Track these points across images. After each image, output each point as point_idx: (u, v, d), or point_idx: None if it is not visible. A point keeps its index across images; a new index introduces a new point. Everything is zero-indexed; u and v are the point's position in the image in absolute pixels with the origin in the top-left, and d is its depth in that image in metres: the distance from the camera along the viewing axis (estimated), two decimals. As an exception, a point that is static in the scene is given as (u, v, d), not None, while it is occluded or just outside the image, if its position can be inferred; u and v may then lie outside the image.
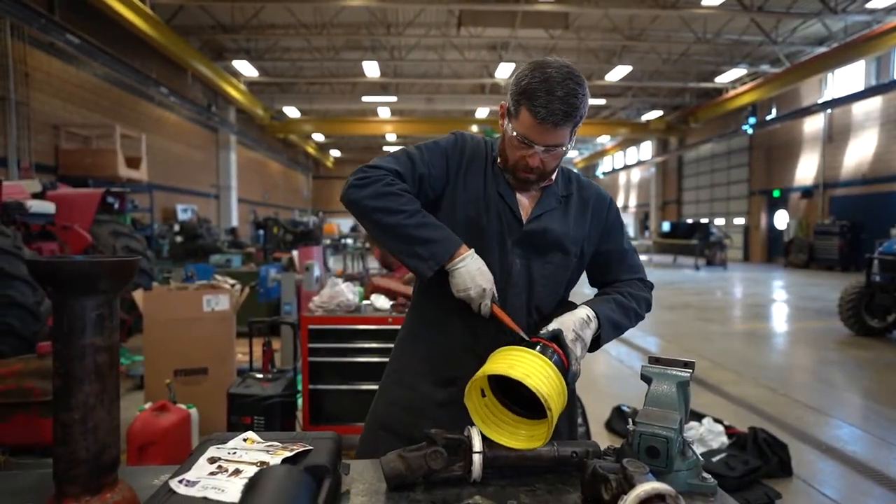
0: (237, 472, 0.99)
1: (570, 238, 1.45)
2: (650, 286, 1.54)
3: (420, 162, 1.38)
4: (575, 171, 1.59)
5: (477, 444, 1.11)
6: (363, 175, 1.32)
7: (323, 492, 0.97)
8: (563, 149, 1.33)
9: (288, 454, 1.03)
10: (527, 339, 1.29)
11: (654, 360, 1.24)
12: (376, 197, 1.29)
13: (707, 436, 3.68)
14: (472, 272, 1.29)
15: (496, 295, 1.32)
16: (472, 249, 1.32)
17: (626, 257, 1.54)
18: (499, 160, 1.45)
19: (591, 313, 1.34)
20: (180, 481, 0.95)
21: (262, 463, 1.00)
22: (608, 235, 1.52)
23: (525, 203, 1.45)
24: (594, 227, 1.50)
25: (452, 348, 1.43)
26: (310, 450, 1.06)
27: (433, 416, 1.39)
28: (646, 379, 1.21)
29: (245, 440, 1.12)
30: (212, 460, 1.03)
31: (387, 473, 1.08)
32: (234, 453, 1.05)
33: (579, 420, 3.49)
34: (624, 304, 1.43)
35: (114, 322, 0.98)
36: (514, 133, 1.32)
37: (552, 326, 1.28)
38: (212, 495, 0.92)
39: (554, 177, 1.44)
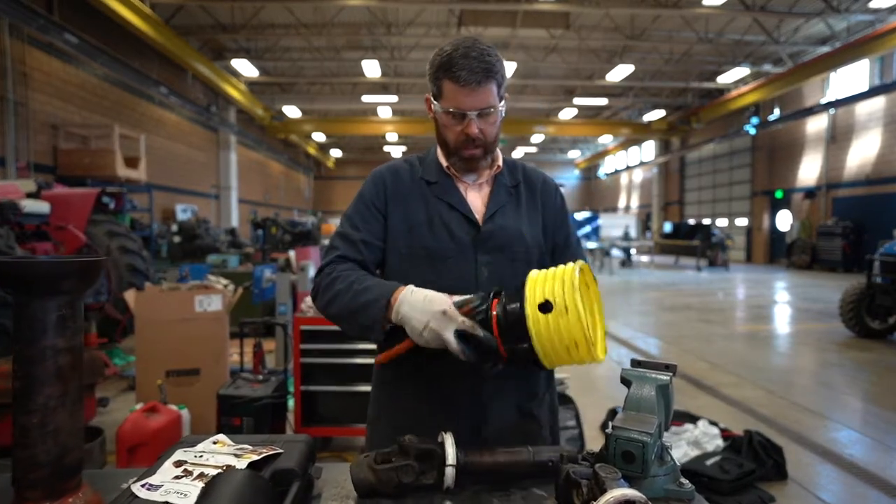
0: (202, 475, 0.97)
1: (527, 229, 1.43)
2: None
3: (353, 230, 1.38)
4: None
5: (450, 456, 1.06)
6: (315, 285, 1.35)
7: (290, 496, 0.95)
8: (496, 110, 1.33)
9: (256, 458, 1.01)
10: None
11: (637, 363, 1.21)
12: (322, 294, 1.31)
13: (702, 438, 3.65)
14: (416, 306, 1.15)
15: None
16: (410, 286, 1.21)
17: (575, 245, 1.52)
18: (442, 159, 1.44)
19: None
20: (143, 485, 0.94)
21: (229, 467, 0.98)
22: (558, 222, 1.50)
23: (478, 204, 1.43)
24: (548, 215, 1.49)
25: (438, 396, 1.38)
26: (280, 453, 1.04)
27: None
28: (626, 382, 1.19)
29: (215, 443, 1.10)
30: (178, 464, 1.01)
31: (356, 483, 1.06)
32: (201, 457, 1.03)
33: (573, 422, 3.47)
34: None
35: (77, 323, 0.96)
36: (444, 110, 1.34)
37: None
38: (174, 500, 0.90)
39: (500, 163, 1.45)
